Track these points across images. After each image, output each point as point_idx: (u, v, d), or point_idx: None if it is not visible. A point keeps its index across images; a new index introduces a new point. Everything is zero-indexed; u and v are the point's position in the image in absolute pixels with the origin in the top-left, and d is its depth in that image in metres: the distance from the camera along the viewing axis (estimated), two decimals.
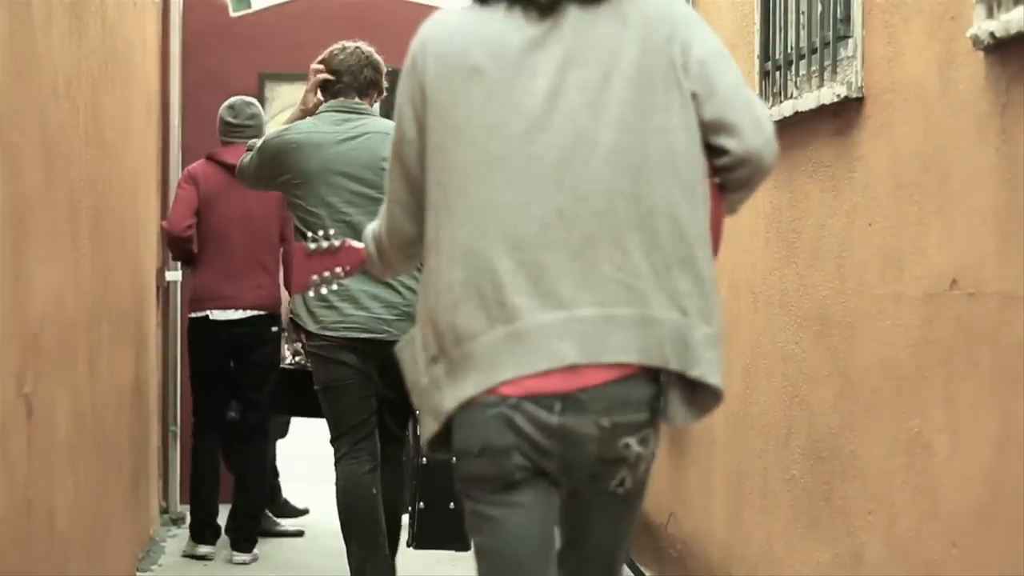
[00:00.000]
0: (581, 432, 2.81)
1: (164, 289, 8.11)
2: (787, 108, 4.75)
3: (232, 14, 8.99)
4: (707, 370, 2.84)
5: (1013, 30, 3.23)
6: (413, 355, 2.96)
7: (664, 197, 2.84)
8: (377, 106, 5.77)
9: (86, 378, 5.05)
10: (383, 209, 3.13)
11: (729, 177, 2.96)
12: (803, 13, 4.78)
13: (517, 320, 2.81)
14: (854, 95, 4.23)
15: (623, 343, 2.81)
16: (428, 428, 2.92)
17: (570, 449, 2.82)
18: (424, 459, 5.31)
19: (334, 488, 5.58)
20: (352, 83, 5.60)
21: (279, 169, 5.50)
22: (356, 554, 5.46)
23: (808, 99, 4.56)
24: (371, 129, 5.51)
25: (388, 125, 5.38)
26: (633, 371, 2.83)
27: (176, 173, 8.17)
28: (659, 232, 2.83)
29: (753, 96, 3.00)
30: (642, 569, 6.37)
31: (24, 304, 3.88)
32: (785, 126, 4.86)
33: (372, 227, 3.24)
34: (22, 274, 3.86)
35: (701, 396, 2.89)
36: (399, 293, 5.46)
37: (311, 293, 3.53)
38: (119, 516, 6.09)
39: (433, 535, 5.34)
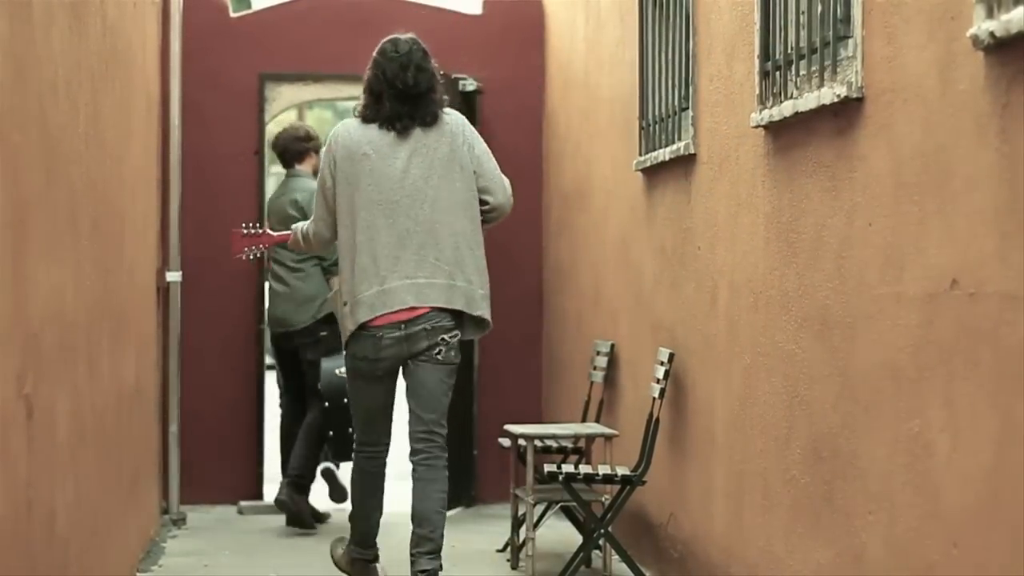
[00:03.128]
0: (417, 333, 5.68)
1: (164, 289, 8.11)
2: (787, 108, 4.75)
3: (232, 14, 8.99)
4: (483, 311, 5.77)
5: (1013, 30, 3.23)
6: (340, 300, 5.80)
7: (459, 224, 5.75)
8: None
9: (86, 378, 5.05)
10: (312, 221, 5.97)
11: (486, 216, 5.86)
12: (803, 13, 4.78)
13: (385, 284, 5.67)
14: (854, 95, 4.23)
15: (437, 296, 5.69)
16: (344, 336, 5.78)
17: (413, 341, 5.68)
18: (327, 403, 7.94)
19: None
20: (290, 158, 8.28)
21: None
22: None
23: (808, 99, 4.56)
24: (294, 188, 8.16)
25: (304, 184, 8.10)
26: (441, 309, 5.70)
27: (176, 173, 8.17)
28: (458, 242, 5.73)
29: (501, 175, 5.87)
30: (642, 569, 6.38)
31: (24, 304, 3.88)
32: (785, 126, 4.87)
33: (301, 226, 6.08)
34: (22, 274, 3.86)
35: (481, 325, 5.83)
36: (291, 291, 8.10)
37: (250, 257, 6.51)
38: (119, 516, 6.09)
39: (342, 453, 7.89)
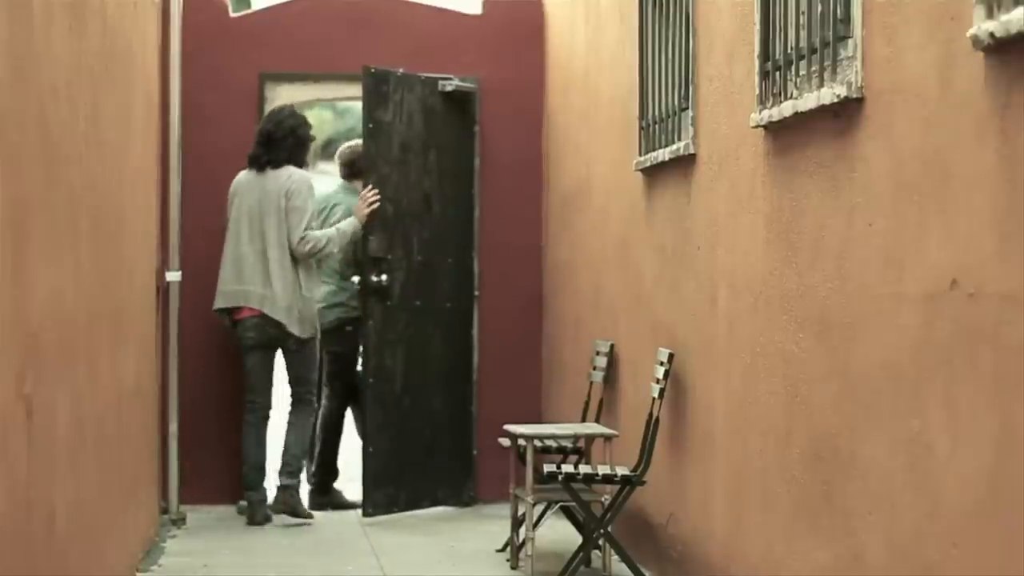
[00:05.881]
0: (272, 324, 8.18)
1: (164, 289, 8.11)
2: (787, 108, 4.75)
3: (232, 14, 8.99)
4: (279, 317, 8.13)
5: (1013, 30, 3.23)
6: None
7: (279, 252, 8.15)
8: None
9: (86, 378, 5.05)
10: None
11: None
12: (803, 13, 4.78)
13: (228, 287, 8.25)
14: (854, 95, 4.23)
15: (258, 302, 8.19)
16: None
17: (268, 332, 8.19)
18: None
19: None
20: (356, 172, 8.99)
21: None
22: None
23: (808, 99, 4.56)
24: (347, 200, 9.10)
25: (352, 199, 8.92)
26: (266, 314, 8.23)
27: (176, 173, 8.17)
28: (279, 265, 8.13)
29: (298, 228, 8.15)
30: (642, 569, 6.38)
31: (24, 304, 3.88)
32: (785, 126, 4.87)
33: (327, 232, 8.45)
34: (22, 274, 3.86)
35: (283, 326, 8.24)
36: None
37: None
38: (119, 516, 6.09)
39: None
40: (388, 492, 8.39)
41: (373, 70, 8.41)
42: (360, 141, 9.19)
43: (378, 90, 8.43)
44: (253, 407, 8.30)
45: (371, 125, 8.39)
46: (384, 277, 8.38)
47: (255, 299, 8.17)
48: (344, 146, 9.35)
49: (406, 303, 8.55)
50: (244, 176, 8.31)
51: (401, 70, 8.62)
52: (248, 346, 8.24)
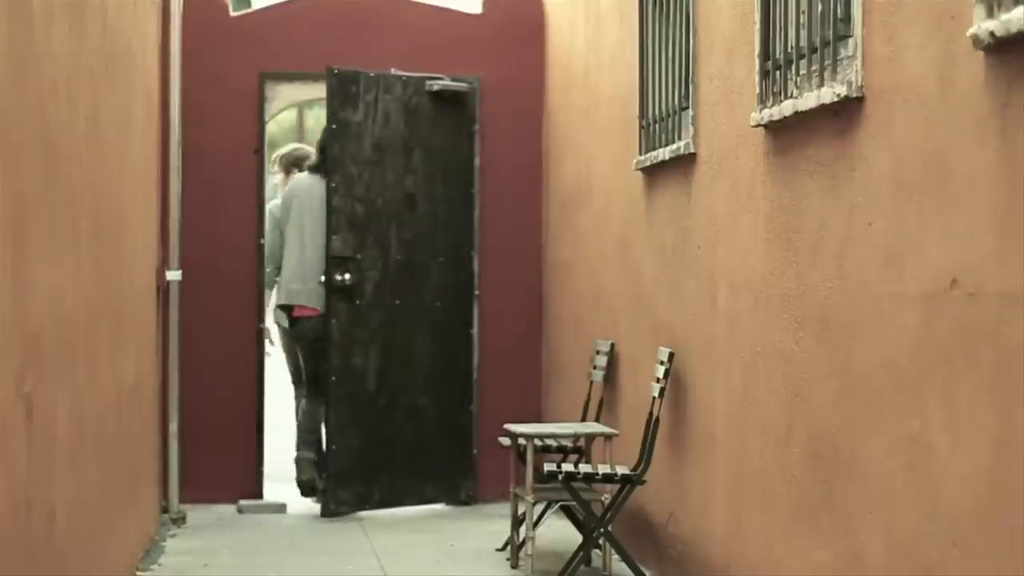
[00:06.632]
0: (310, 323, 8.56)
1: (164, 288, 8.11)
2: (787, 108, 4.75)
3: (232, 14, 8.99)
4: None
5: (1013, 30, 3.23)
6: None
7: (322, 252, 8.58)
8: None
9: (86, 378, 5.05)
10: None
11: None
12: (803, 13, 4.78)
13: (294, 284, 8.61)
14: (854, 94, 4.23)
15: (318, 301, 8.52)
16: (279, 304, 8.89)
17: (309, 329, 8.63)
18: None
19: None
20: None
21: None
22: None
23: (808, 99, 4.56)
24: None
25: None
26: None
27: (176, 173, 8.18)
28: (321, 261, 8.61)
29: None
30: (642, 569, 6.38)
31: (24, 304, 3.88)
32: (785, 126, 4.87)
33: None
34: (22, 274, 3.86)
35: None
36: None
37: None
38: (119, 515, 6.09)
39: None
40: (357, 490, 8.39)
41: (336, 71, 8.42)
42: (300, 145, 9.38)
43: (343, 91, 8.44)
44: (316, 393, 8.61)
45: (335, 126, 8.41)
46: (348, 276, 8.40)
47: (315, 298, 8.51)
48: (285, 150, 9.34)
49: (381, 302, 8.55)
50: (305, 180, 8.65)
51: (398, 71, 8.62)
52: (310, 347, 8.56)
